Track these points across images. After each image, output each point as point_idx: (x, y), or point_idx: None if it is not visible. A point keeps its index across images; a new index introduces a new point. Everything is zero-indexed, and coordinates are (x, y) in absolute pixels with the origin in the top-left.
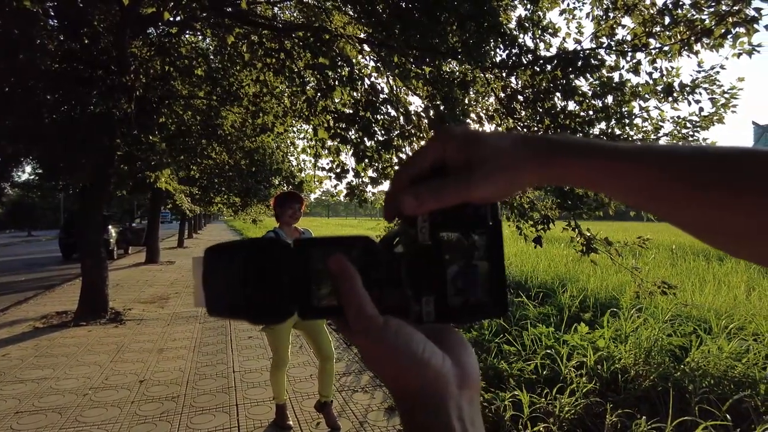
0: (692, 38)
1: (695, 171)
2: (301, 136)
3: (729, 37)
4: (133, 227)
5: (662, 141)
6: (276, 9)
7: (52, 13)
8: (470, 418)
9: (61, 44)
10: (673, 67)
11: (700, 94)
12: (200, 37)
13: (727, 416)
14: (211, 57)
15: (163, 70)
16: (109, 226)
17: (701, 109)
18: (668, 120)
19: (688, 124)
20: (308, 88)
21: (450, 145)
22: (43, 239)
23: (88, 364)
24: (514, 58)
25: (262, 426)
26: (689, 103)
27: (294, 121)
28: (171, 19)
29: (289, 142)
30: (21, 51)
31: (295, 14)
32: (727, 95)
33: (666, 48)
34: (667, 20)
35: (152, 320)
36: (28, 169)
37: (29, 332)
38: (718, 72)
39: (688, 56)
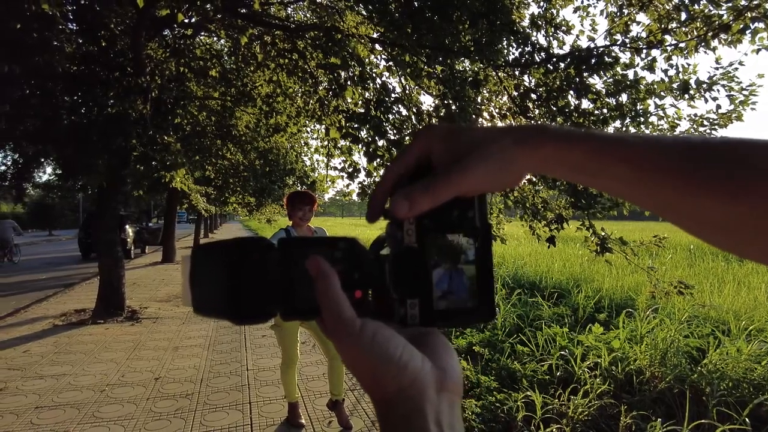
0: (709, 34)
1: (678, 158)
2: (314, 136)
3: (747, 32)
4: (149, 227)
5: None
6: (289, 9)
7: (71, 17)
8: (449, 422)
9: (79, 47)
10: (689, 64)
11: (718, 91)
12: (214, 38)
13: (746, 420)
14: (225, 58)
15: (178, 71)
16: (126, 226)
17: (719, 107)
18: (685, 118)
19: (706, 122)
20: (320, 88)
21: (435, 141)
22: (63, 239)
23: (105, 361)
24: (526, 56)
25: (275, 424)
26: (706, 101)
27: (307, 121)
28: (185, 20)
29: (302, 142)
30: (39, 54)
31: (307, 15)
32: (746, 92)
33: (682, 45)
34: (683, 16)
35: (168, 318)
36: (49, 169)
37: (49, 329)
38: (736, 68)
39: (705, 53)
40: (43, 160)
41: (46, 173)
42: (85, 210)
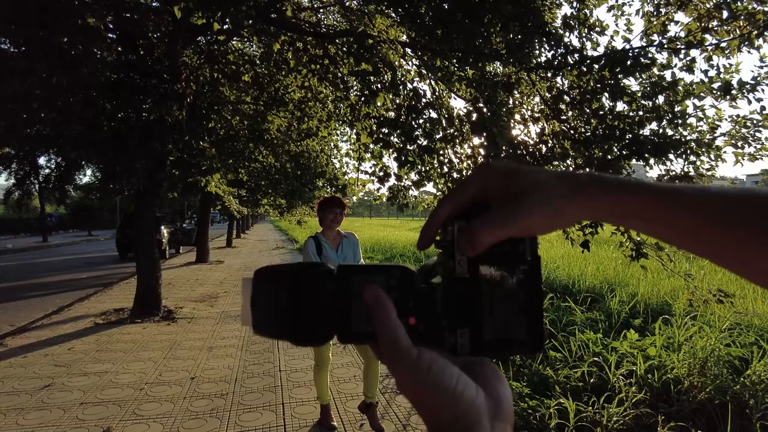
0: (753, 32)
1: (723, 210)
2: (344, 138)
3: None
4: (183, 227)
5: (719, 141)
6: (320, 14)
7: (111, 26)
8: None
9: (118, 55)
10: (731, 64)
11: (762, 91)
12: (246, 42)
13: None
14: (258, 63)
15: (212, 76)
16: (162, 227)
17: (763, 108)
18: (726, 119)
19: (749, 123)
20: (351, 95)
21: (492, 179)
22: (102, 239)
23: (143, 360)
24: (559, 58)
25: (308, 425)
26: (749, 102)
27: (337, 125)
28: (220, 27)
29: (332, 145)
30: (84, 65)
31: (338, 18)
32: None
33: (723, 44)
34: (725, 14)
35: (202, 318)
36: (89, 172)
37: (91, 327)
38: None
39: (749, 52)
40: (84, 163)
41: (86, 175)
42: (122, 211)
